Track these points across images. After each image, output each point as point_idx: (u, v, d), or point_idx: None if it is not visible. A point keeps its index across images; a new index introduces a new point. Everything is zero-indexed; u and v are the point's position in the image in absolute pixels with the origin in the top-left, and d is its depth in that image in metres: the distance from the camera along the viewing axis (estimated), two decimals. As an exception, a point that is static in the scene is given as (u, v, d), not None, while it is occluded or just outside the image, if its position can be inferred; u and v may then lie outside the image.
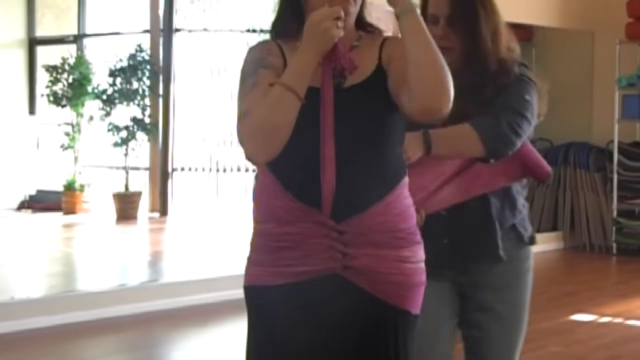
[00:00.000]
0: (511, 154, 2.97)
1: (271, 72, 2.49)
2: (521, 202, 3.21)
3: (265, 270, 2.55)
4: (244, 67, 2.55)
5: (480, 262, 3.12)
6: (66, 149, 12.72)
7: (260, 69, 2.50)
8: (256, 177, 2.62)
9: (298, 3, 2.55)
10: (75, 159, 12.82)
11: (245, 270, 2.62)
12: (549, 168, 3.18)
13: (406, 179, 2.58)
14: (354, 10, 2.54)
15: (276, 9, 2.65)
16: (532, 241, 3.23)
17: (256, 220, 2.61)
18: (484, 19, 2.95)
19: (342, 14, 2.41)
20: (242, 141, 2.43)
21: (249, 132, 2.42)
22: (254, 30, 12.15)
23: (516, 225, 3.17)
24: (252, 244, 2.62)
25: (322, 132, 2.45)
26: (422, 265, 2.61)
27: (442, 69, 2.39)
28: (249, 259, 2.62)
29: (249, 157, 2.45)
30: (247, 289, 2.61)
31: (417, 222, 2.63)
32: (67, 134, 12.70)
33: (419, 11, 2.51)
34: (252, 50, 2.59)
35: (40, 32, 13.79)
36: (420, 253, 2.61)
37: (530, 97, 2.97)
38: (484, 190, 3.06)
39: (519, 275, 3.21)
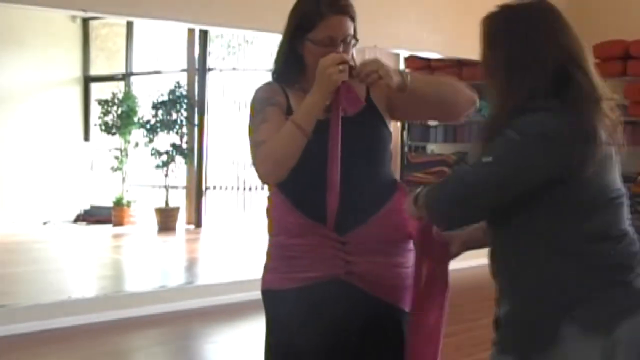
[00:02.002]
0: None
1: (277, 108, 2.52)
2: (579, 263, 2.11)
3: (279, 276, 2.57)
4: (253, 104, 2.58)
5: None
6: (115, 170, 12.74)
7: (267, 106, 2.53)
8: (268, 198, 2.66)
9: (297, 53, 2.57)
10: (123, 179, 12.83)
11: (262, 276, 2.64)
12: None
13: (397, 195, 2.58)
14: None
15: (276, 58, 2.64)
16: (600, 330, 2.06)
17: (270, 234, 2.64)
18: (491, 59, 2.23)
19: (347, 58, 2.43)
20: (256, 166, 2.48)
21: (263, 159, 2.46)
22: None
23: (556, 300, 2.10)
24: (267, 254, 2.64)
25: (330, 160, 2.47)
26: (413, 269, 2.60)
27: (446, 83, 2.60)
28: (265, 266, 2.64)
29: (261, 178, 2.51)
30: (264, 292, 2.63)
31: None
32: (116, 158, 12.72)
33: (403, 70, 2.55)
34: (259, 90, 2.61)
35: (94, 71, 13.83)
36: (411, 259, 2.60)
37: (493, 159, 2.07)
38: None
39: None
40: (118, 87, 13.17)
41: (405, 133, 10.54)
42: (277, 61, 2.64)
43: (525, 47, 2.16)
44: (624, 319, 2.08)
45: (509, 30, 2.20)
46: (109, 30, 13.90)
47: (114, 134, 12.63)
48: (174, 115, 12.39)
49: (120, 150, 12.73)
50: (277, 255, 2.60)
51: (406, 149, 10.66)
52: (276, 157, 2.43)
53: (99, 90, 13.46)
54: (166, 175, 12.42)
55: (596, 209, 2.13)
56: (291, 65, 2.59)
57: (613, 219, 2.16)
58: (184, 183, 12.88)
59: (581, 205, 2.12)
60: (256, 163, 2.48)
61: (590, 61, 2.20)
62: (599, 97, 2.15)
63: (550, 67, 2.14)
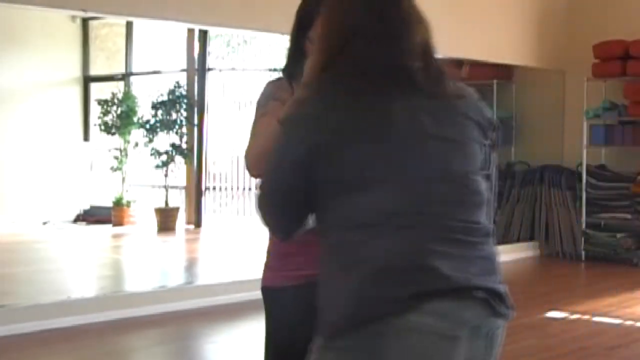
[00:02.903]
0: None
1: (279, 104, 2.54)
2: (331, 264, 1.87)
3: (277, 274, 2.60)
4: (259, 98, 2.64)
5: None
6: (115, 170, 12.76)
7: (270, 100, 2.58)
8: None
9: (302, 50, 2.60)
10: (123, 179, 12.85)
11: (262, 274, 2.67)
12: None
13: None
14: None
15: (286, 55, 2.70)
16: (332, 336, 1.83)
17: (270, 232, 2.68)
18: None
19: None
20: (245, 156, 2.55)
21: (250, 152, 2.53)
22: (275, 69, 12.21)
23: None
24: (267, 252, 2.67)
25: None
26: None
27: None
28: (265, 264, 2.67)
29: (247, 169, 2.56)
30: (262, 289, 2.66)
31: None
32: (116, 158, 12.74)
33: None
34: (266, 86, 2.66)
35: (94, 71, 13.85)
36: None
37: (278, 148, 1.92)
38: None
39: None
40: (118, 87, 13.19)
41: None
42: (286, 60, 2.70)
43: (329, 22, 1.91)
44: (352, 330, 1.78)
45: (328, 5, 1.95)
46: (108, 30, 13.91)
47: (113, 134, 12.64)
48: (174, 115, 12.41)
49: (120, 150, 12.75)
50: (274, 253, 2.63)
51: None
52: (259, 151, 2.48)
53: (98, 90, 13.48)
54: (166, 175, 12.43)
55: (349, 192, 1.80)
56: (297, 62, 2.62)
57: (372, 203, 1.79)
58: (184, 183, 12.89)
59: (334, 190, 1.82)
60: (245, 154, 2.55)
61: (409, 31, 1.95)
62: (378, 70, 1.84)
63: (341, 38, 1.86)
